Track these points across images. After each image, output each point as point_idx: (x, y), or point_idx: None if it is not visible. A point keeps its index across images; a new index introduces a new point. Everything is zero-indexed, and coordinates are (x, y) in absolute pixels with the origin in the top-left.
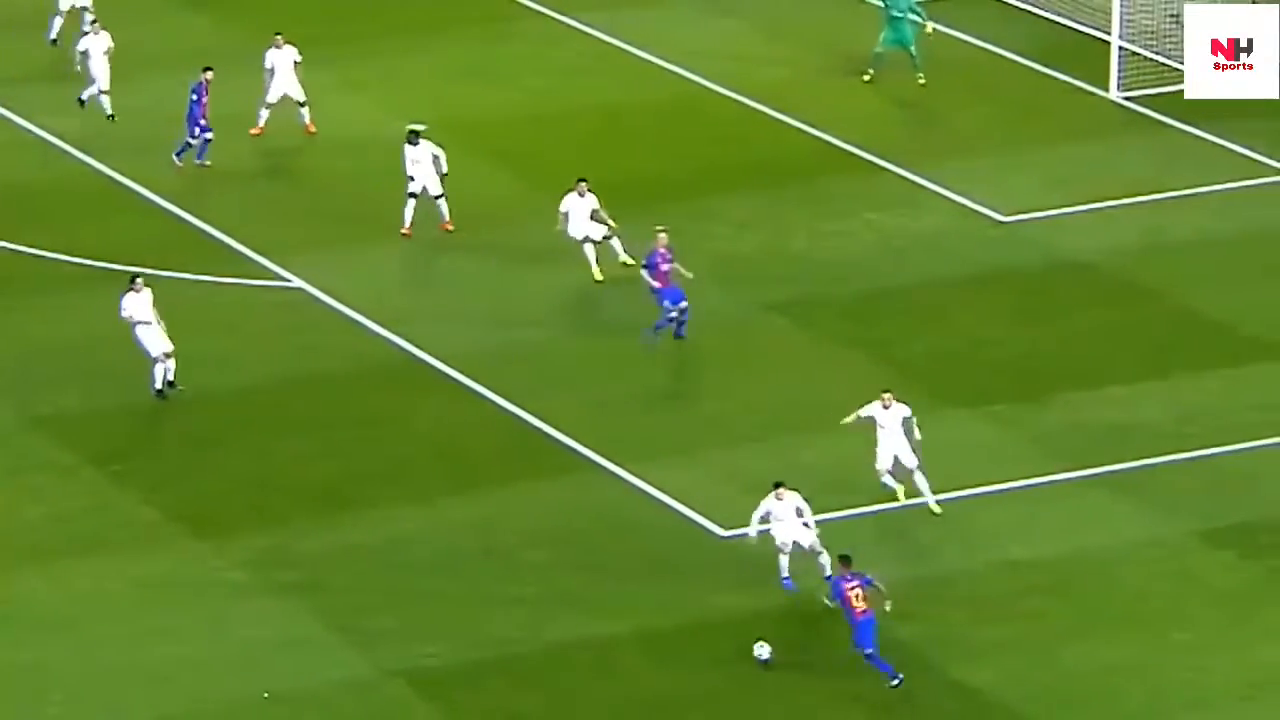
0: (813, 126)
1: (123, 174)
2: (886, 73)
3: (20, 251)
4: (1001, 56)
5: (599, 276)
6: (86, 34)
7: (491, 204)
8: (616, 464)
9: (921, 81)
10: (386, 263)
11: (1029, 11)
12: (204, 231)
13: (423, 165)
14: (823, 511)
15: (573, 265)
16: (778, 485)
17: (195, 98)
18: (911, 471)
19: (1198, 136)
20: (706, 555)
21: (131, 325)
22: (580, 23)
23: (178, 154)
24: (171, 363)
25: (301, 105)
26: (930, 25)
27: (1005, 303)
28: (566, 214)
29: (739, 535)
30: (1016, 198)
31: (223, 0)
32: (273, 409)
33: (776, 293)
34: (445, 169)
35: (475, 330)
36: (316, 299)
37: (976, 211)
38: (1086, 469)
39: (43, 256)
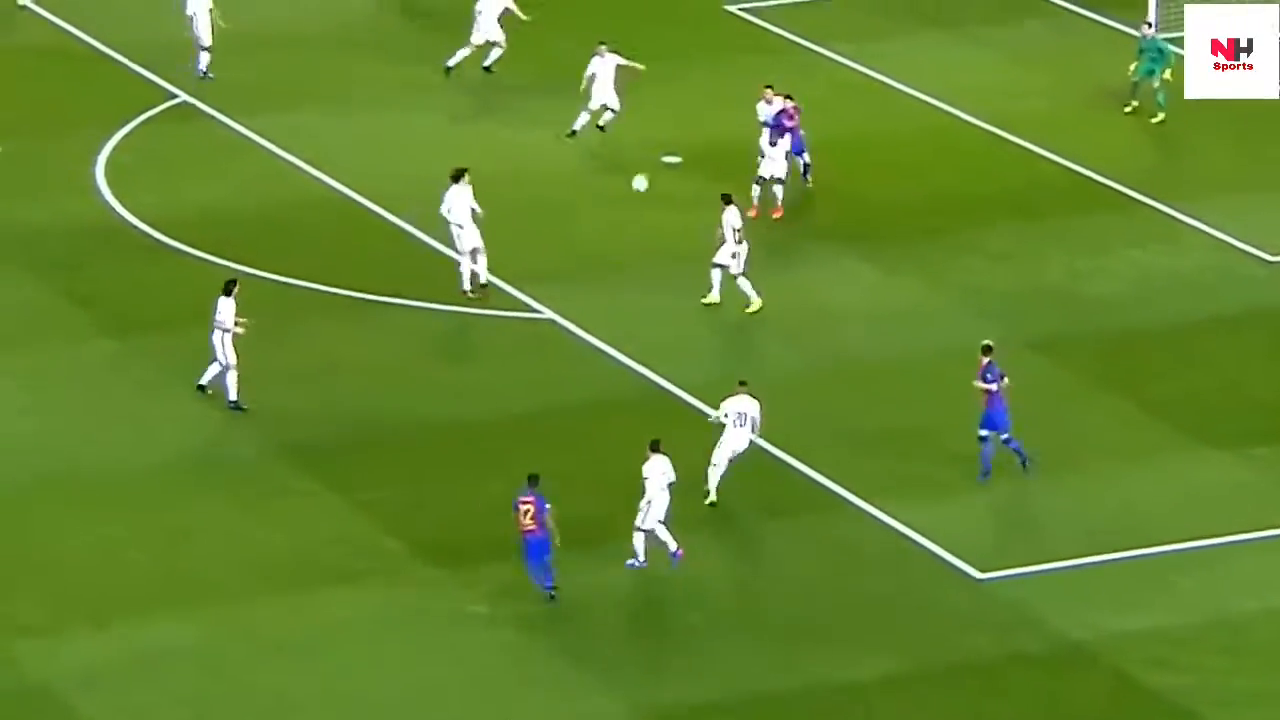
0: (1068, 159)
1: (378, 204)
2: (1146, 104)
3: (268, 279)
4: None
5: (756, 306)
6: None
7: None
8: (867, 501)
9: (1157, 119)
10: (635, 294)
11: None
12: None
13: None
14: (1077, 556)
15: (811, 293)
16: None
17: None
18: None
19: None
20: (960, 596)
21: (220, 329)
22: (832, 52)
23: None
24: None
25: (612, 111)
26: (1168, 72)
27: (1268, 343)
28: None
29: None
30: None
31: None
32: (520, 440)
33: (1032, 329)
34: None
35: (722, 362)
36: (567, 330)
37: (1241, 249)
38: None
39: (292, 284)
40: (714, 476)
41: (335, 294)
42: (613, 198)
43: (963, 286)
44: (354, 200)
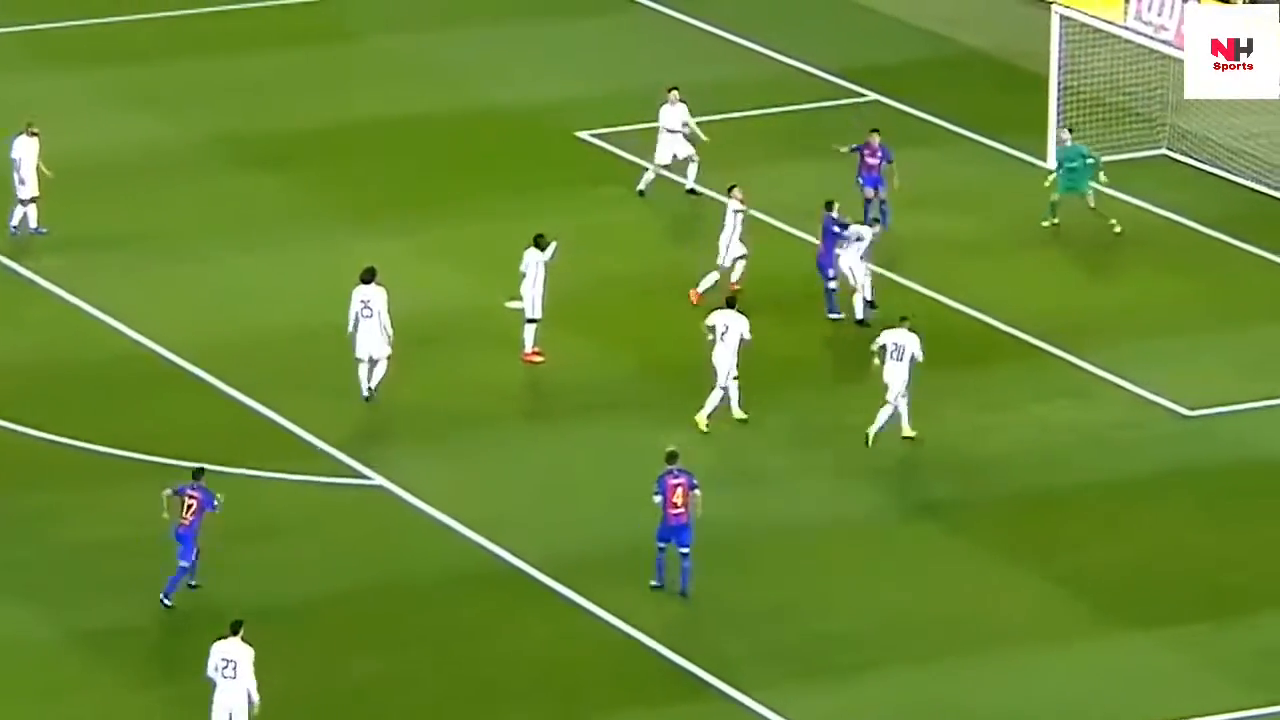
0: (969, 306)
1: (180, 355)
2: (1050, 249)
3: (66, 444)
4: (1185, 226)
5: (740, 415)
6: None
7: (594, 388)
8: (739, 689)
9: (1117, 229)
10: (475, 457)
11: (1217, 175)
12: (273, 421)
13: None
14: None
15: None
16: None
17: None
18: None
19: None
20: None
21: None
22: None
23: None
24: None
25: (689, 161)
26: (1102, 175)
27: (1191, 508)
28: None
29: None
30: (1203, 387)
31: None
32: (345, 623)
33: (925, 492)
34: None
35: (576, 532)
36: (398, 498)
37: (1156, 403)
38: None
39: (92, 449)
40: (882, 416)
41: (139, 460)
42: (448, 347)
43: (843, 446)
44: (160, 355)
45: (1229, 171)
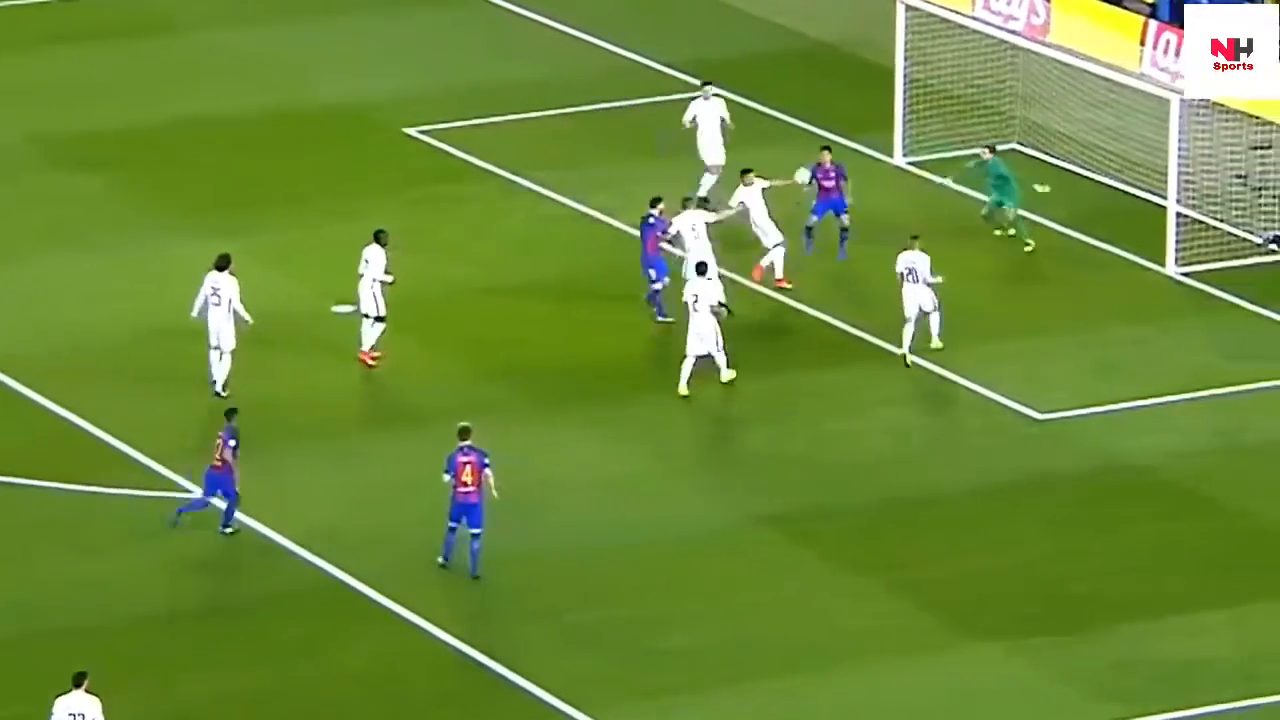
0: (813, 308)
1: None
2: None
3: None
4: (1036, 222)
5: (683, 392)
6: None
7: (424, 393)
8: (577, 708)
9: (1028, 248)
10: (301, 469)
11: (1069, 171)
12: (89, 433)
13: None
14: None
15: (517, 469)
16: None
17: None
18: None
19: (1269, 318)
20: None
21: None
22: (532, 182)
23: None
24: None
25: (712, 171)
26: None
27: (1043, 514)
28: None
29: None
30: (1055, 390)
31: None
32: (172, 644)
33: (770, 502)
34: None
35: (405, 544)
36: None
37: (1008, 407)
38: (1141, 716)
39: None
40: (906, 335)
41: None
42: (273, 352)
43: (693, 454)
44: None
45: (1082, 166)
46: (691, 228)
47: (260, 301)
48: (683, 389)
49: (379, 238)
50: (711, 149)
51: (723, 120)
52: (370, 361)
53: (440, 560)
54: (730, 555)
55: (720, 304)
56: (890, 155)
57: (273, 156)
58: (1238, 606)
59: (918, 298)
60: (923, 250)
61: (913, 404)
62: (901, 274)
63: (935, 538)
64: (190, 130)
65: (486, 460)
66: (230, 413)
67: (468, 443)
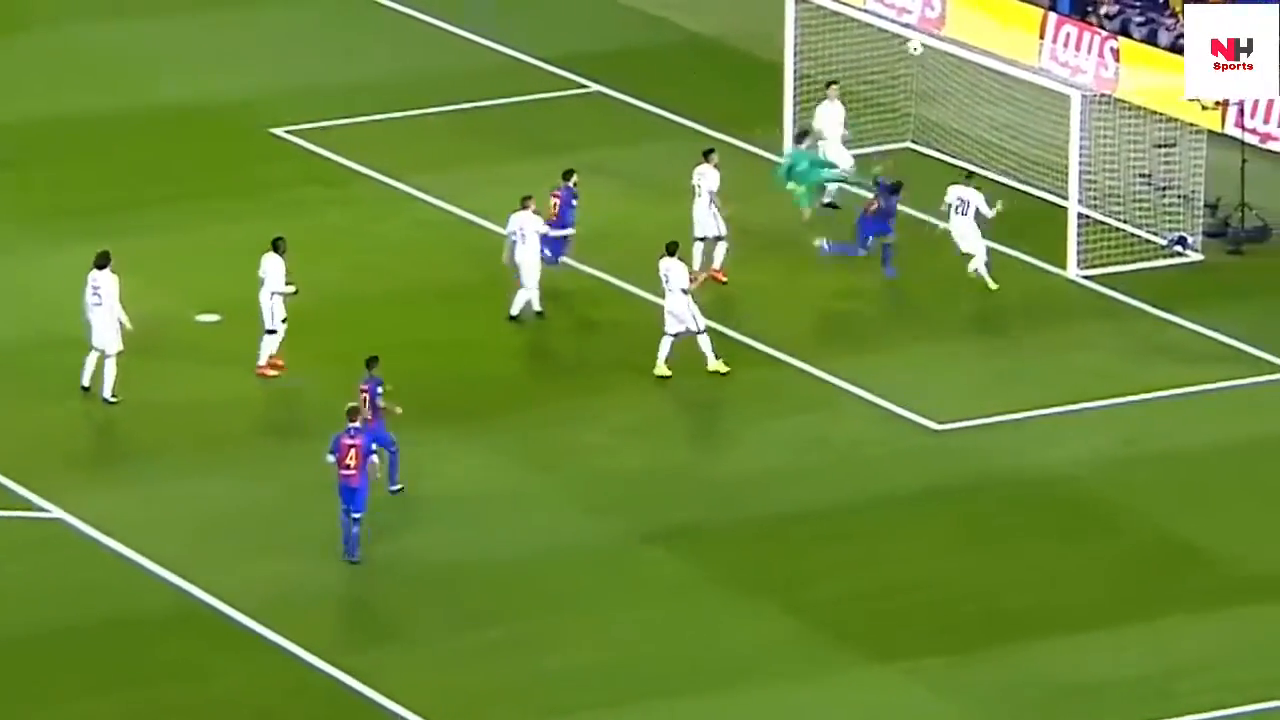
0: (702, 314)
1: None
2: (786, 252)
3: None
4: (931, 224)
5: (720, 368)
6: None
7: (296, 406)
8: None
9: (806, 217)
10: (169, 485)
11: (962, 169)
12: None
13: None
14: None
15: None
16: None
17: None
18: None
19: (1174, 323)
20: None
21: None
22: (410, 186)
23: None
24: None
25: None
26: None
27: (941, 529)
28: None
29: None
30: (953, 400)
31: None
32: (25, 669)
33: (658, 518)
34: None
35: (274, 565)
36: (80, 533)
37: (904, 417)
38: None
39: None
40: (976, 263)
41: None
42: (138, 364)
43: (573, 471)
44: None
45: (979, 165)
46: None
47: (127, 308)
48: (659, 369)
49: (277, 246)
50: (837, 153)
51: (844, 125)
52: (272, 373)
53: (343, 551)
54: (615, 574)
55: (692, 279)
56: (779, 155)
57: (135, 158)
58: (1148, 622)
59: (964, 230)
60: (977, 188)
61: (804, 415)
62: (950, 206)
63: (828, 554)
64: (42, 131)
65: (373, 448)
66: (371, 360)
67: (355, 424)
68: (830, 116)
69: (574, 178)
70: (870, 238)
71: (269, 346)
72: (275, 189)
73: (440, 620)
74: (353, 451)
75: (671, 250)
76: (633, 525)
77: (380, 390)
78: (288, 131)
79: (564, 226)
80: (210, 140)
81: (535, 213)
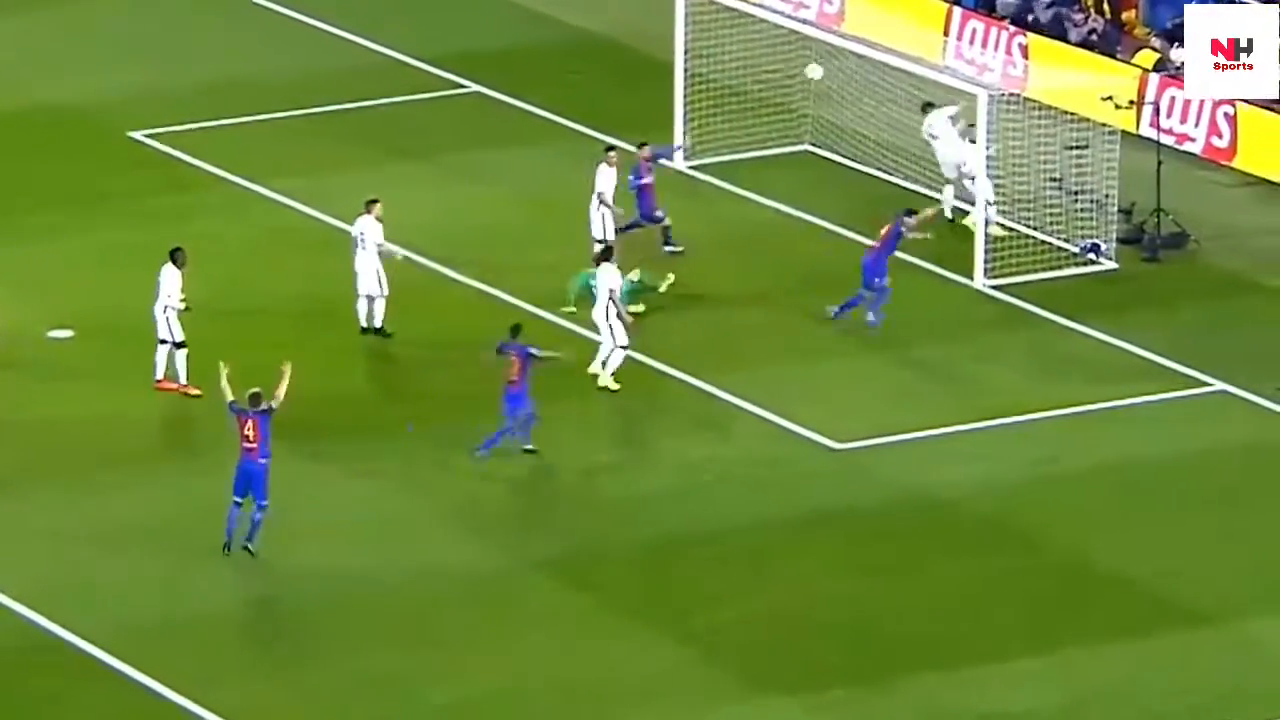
0: (584, 327)
1: None
2: (681, 263)
3: None
4: (829, 231)
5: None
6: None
7: (159, 429)
8: None
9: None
10: (23, 513)
11: (863, 172)
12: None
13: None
14: None
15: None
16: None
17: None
18: None
19: (1087, 335)
20: None
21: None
22: (268, 189)
23: None
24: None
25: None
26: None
27: (840, 553)
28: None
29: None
30: (852, 418)
31: None
32: None
33: (544, 543)
34: None
35: (138, 599)
36: None
37: (801, 436)
38: None
39: None
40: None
41: None
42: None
43: (451, 500)
44: None
45: (879, 169)
46: None
47: None
48: (608, 383)
49: (175, 258)
50: (948, 159)
51: (951, 119)
52: (195, 392)
53: (224, 543)
54: (502, 603)
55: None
56: (669, 158)
57: None
58: (1058, 651)
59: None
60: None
61: (696, 434)
62: (930, 138)
63: (723, 579)
64: None
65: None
66: (515, 329)
67: (262, 406)
68: (942, 120)
69: (646, 148)
70: (877, 279)
71: (181, 361)
72: (130, 197)
73: (318, 652)
74: (250, 423)
75: (606, 255)
76: (518, 550)
77: (531, 354)
78: (146, 135)
79: (645, 198)
80: (66, 144)
81: (379, 219)
